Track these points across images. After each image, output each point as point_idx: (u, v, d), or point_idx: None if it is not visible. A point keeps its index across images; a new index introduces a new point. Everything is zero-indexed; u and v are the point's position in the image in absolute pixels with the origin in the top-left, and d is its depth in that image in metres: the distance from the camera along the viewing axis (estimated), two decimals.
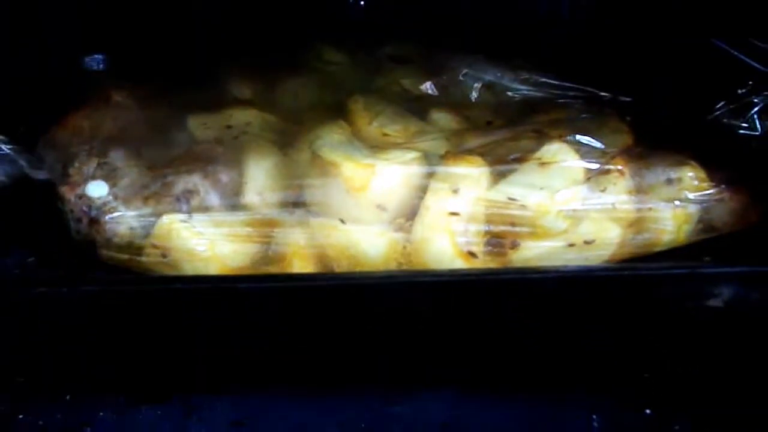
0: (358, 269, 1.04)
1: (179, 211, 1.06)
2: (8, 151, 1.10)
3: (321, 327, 1.03)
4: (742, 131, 1.13)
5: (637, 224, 1.07)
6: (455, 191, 1.03)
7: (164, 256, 1.04)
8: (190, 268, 1.04)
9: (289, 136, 1.13)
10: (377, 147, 1.09)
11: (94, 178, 1.08)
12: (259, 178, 1.08)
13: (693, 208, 1.09)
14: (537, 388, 1.05)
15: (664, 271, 1.03)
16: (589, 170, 1.06)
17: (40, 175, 1.10)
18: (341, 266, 1.04)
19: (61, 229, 1.08)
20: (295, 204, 1.07)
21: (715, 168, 1.10)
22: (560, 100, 1.20)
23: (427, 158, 1.07)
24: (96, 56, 1.26)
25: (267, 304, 1.01)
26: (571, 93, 1.20)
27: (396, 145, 1.09)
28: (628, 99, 1.19)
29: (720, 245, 1.09)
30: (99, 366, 1.05)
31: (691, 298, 1.02)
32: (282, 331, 1.03)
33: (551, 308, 1.03)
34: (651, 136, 1.14)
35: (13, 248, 1.11)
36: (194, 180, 1.07)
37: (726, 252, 1.08)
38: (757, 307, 1.03)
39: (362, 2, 1.31)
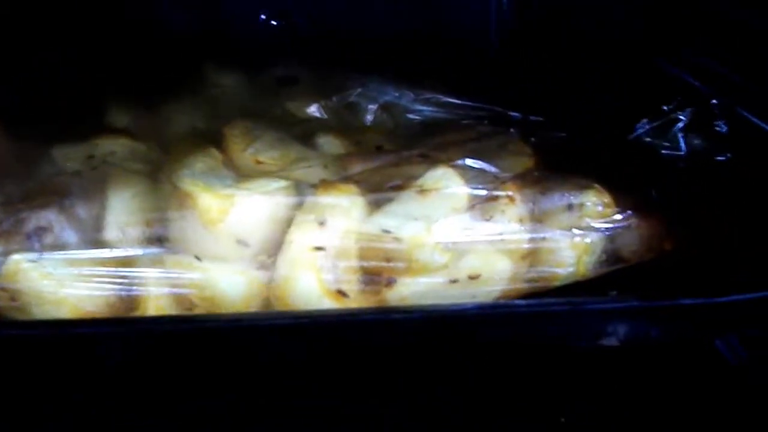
0: (217, 311, 0.95)
1: (31, 250, 0.97)
2: None
3: (170, 374, 0.95)
4: (665, 151, 1.03)
5: (531, 256, 0.99)
6: (321, 223, 0.95)
7: (13, 299, 0.95)
8: (41, 312, 0.96)
9: (157, 165, 1.05)
10: (248, 176, 1.00)
11: None
12: (120, 211, 1.00)
13: (595, 237, 1.00)
14: None
15: (545, 308, 0.92)
16: (474, 197, 0.97)
17: None
18: (200, 309, 0.95)
19: None
20: (157, 240, 0.98)
21: (625, 192, 1.01)
22: (464, 121, 1.10)
23: (299, 188, 0.98)
24: None
25: (118, 349, 0.92)
26: (476, 113, 1.11)
27: (267, 174, 1.00)
28: (539, 119, 1.09)
29: (631, 277, 1.00)
30: None
31: (581, 337, 0.92)
32: (134, 378, 0.94)
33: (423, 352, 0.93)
34: (556, 159, 1.04)
35: None
36: (48, 215, 0.99)
37: (637, 284, 0.98)
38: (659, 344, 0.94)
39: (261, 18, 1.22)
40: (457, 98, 1.14)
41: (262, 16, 1.30)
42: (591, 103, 1.12)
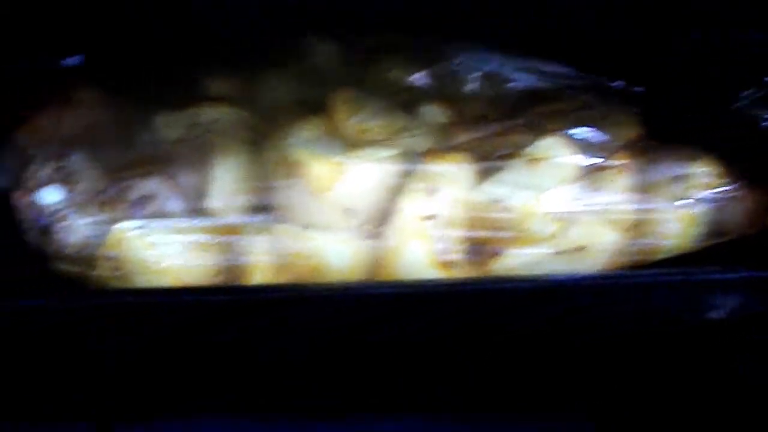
0: (323, 280, 0.93)
1: (135, 218, 0.96)
2: None
3: (277, 344, 0.94)
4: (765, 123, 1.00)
5: (636, 228, 0.97)
6: (432, 192, 0.92)
7: (116, 269, 0.95)
8: (144, 282, 0.95)
9: (263, 134, 1.03)
10: (355, 145, 0.99)
11: (49, 183, 0.99)
12: (224, 180, 0.99)
13: (702, 209, 0.97)
14: (521, 410, 0.94)
15: (660, 278, 0.91)
16: (584, 167, 0.95)
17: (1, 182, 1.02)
18: (305, 278, 0.94)
19: (19, 241, 0.99)
20: (262, 209, 0.97)
21: (731, 163, 0.98)
22: (564, 91, 1.08)
23: (408, 156, 0.96)
24: (72, 57, 1.17)
25: (216, 319, 0.92)
26: (578, 83, 1.09)
27: (373, 143, 0.98)
28: (640, 89, 1.07)
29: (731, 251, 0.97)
30: (53, 389, 0.99)
31: (691, 309, 0.90)
32: (231, 348, 0.93)
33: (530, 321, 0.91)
34: (662, 130, 1.02)
35: None
36: (152, 184, 0.99)
37: (736, 259, 0.95)
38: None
39: None
40: (558, 67, 1.11)
41: None
42: (692, 72, 1.08)
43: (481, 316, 0.93)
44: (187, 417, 1.00)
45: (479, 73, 1.11)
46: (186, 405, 1.01)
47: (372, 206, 0.95)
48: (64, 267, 0.98)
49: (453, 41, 1.14)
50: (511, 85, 1.11)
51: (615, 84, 1.09)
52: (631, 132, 1.02)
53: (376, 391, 1.00)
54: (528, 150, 0.96)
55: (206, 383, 0.99)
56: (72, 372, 0.99)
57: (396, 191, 0.95)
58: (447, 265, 0.93)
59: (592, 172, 0.96)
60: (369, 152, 0.96)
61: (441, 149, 0.97)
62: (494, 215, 0.93)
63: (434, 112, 1.06)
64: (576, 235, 0.94)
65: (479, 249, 0.94)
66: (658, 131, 1.03)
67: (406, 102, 1.08)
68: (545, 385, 0.99)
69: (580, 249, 0.94)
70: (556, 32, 1.14)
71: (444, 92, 1.10)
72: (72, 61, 1.16)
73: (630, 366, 0.99)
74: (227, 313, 0.92)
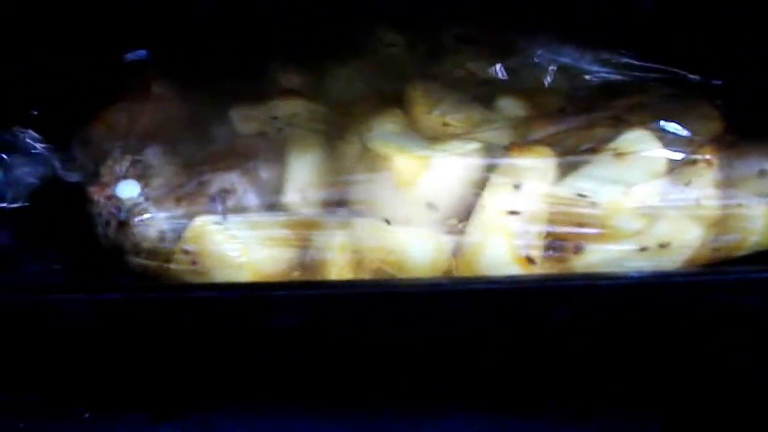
0: (403, 275, 0.92)
1: (214, 212, 0.96)
2: (41, 151, 1.04)
3: (356, 341, 0.95)
4: None
5: (720, 224, 0.95)
6: (517, 186, 0.92)
7: (194, 263, 0.95)
8: (222, 276, 0.95)
9: (340, 127, 1.03)
10: (435, 138, 0.97)
11: (126, 177, 0.99)
12: (302, 174, 0.98)
13: None
14: (604, 409, 0.93)
15: (752, 276, 0.89)
16: (672, 161, 0.93)
17: (72, 176, 1.03)
18: (385, 273, 0.93)
19: (91, 236, 1.00)
20: (340, 203, 0.96)
21: None
22: (643, 84, 1.06)
23: (490, 150, 0.95)
24: (138, 52, 1.16)
25: (298, 313, 0.91)
26: (656, 75, 1.07)
27: (454, 136, 0.97)
28: (719, 82, 1.05)
29: None
30: (119, 380, 0.99)
31: None
32: (313, 344, 0.94)
33: (620, 321, 0.90)
34: (745, 124, 1.00)
35: (41, 254, 1.03)
36: (232, 178, 0.98)
37: None
38: None
39: None
40: (636, 60, 1.09)
41: None
42: None
43: (562, 314, 0.91)
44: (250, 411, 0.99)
45: (555, 66, 1.09)
46: (253, 399, 0.99)
47: (455, 201, 0.93)
48: (142, 261, 0.97)
49: (528, 33, 1.12)
50: (588, 77, 1.09)
51: (693, 77, 1.06)
52: (714, 126, 1.00)
53: (459, 386, 0.98)
54: (613, 144, 0.94)
55: (276, 379, 0.98)
56: (140, 364, 0.97)
57: (480, 185, 0.93)
58: (529, 260, 0.92)
59: (680, 166, 0.93)
60: (454, 145, 0.95)
61: (525, 143, 0.95)
62: (579, 210, 0.91)
63: (512, 105, 1.05)
64: (661, 231, 0.92)
65: (562, 245, 0.93)
66: (739, 125, 1.00)
67: (483, 95, 1.06)
68: (619, 380, 0.97)
69: (665, 245, 0.92)
70: (632, 23, 1.12)
71: (521, 85, 1.08)
72: (142, 54, 1.14)
73: (704, 362, 0.97)
74: (309, 309, 0.90)
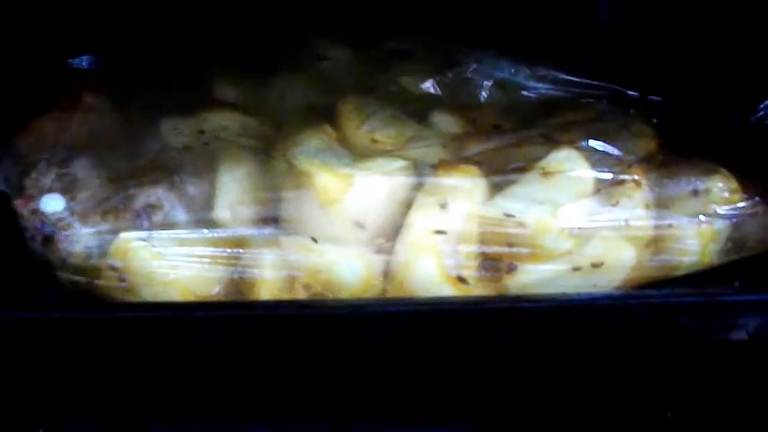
0: (333, 295, 0.92)
1: (140, 228, 0.95)
2: None
3: (284, 361, 0.92)
4: None
5: (654, 244, 0.95)
6: (443, 206, 0.91)
7: (122, 280, 0.93)
8: (150, 294, 0.93)
9: (269, 142, 1.02)
10: (364, 155, 0.96)
11: (51, 190, 0.97)
12: (231, 189, 0.97)
13: (721, 225, 0.95)
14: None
15: (678, 300, 0.88)
16: (600, 181, 0.93)
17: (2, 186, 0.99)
18: (314, 292, 0.92)
19: (22, 249, 0.97)
20: (269, 220, 0.95)
21: (750, 178, 0.96)
22: (579, 100, 1.05)
23: (418, 168, 0.94)
24: (82, 57, 1.14)
25: (224, 335, 0.89)
26: (593, 92, 1.07)
27: (383, 153, 0.96)
28: (657, 99, 1.04)
29: (751, 268, 0.95)
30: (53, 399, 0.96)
31: (712, 329, 0.88)
32: (243, 366, 0.92)
33: (548, 343, 0.89)
34: (679, 142, 1.00)
35: None
36: (158, 192, 0.96)
37: (758, 276, 0.93)
38: None
39: None
40: (574, 75, 1.09)
41: None
42: (710, 82, 1.06)
43: (493, 335, 0.90)
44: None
45: (491, 81, 1.08)
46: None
47: (383, 219, 0.93)
48: (70, 276, 0.96)
49: (464, 47, 1.11)
50: (525, 93, 1.08)
51: (631, 93, 1.05)
52: (647, 144, 1.00)
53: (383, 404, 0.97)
54: (542, 163, 0.94)
55: (205, 399, 0.97)
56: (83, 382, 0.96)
57: (407, 204, 0.92)
58: (459, 280, 0.90)
59: (609, 186, 0.93)
60: (379, 163, 0.94)
61: (453, 161, 0.95)
62: (508, 230, 0.91)
63: (446, 122, 1.05)
64: (593, 251, 0.92)
65: (493, 265, 0.92)
66: (674, 143, 1.00)
67: (417, 110, 1.05)
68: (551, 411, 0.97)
69: (598, 265, 0.91)
70: (568, 38, 1.12)
71: (456, 100, 1.08)
72: (75, 62, 1.13)
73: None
74: (238, 330, 0.89)
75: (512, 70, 1.10)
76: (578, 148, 0.95)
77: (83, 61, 1.17)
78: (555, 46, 1.11)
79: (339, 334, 0.91)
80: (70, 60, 1.16)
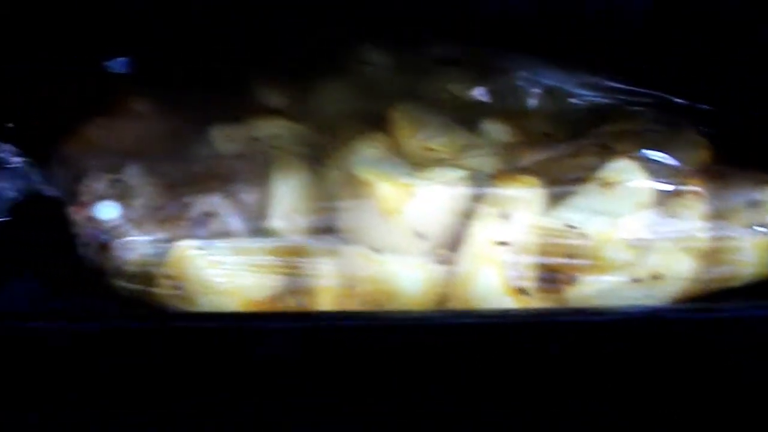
0: (392, 305, 0.92)
1: (196, 236, 0.94)
2: (20, 165, 1.02)
3: (347, 373, 0.92)
4: None
5: (711, 255, 0.94)
6: (505, 217, 0.91)
7: (178, 288, 0.93)
8: (206, 302, 0.93)
9: (322, 150, 1.01)
10: (420, 164, 0.97)
11: (105, 197, 0.97)
12: (287, 199, 0.97)
13: None
14: None
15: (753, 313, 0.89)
16: (659, 192, 0.93)
17: (52, 191, 1.01)
18: (374, 302, 0.92)
19: (74, 254, 0.98)
20: (326, 230, 0.95)
21: None
22: (629, 108, 1.05)
23: (475, 177, 0.94)
24: (118, 60, 1.14)
25: (287, 345, 0.89)
26: (642, 99, 1.07)
27: (440, 162, 0.96)
28: (706, 107, 1.04)
29: None
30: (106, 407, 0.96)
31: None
32: (303, 377, 0.92)
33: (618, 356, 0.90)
34: (732, 151, 1.00)
35: (23, 273, 1.03)
36: (214, 201, 0.96)
37: None
38: None
39: None
40: (622, 83, 1.09)
41: None
42: (763, 90, 1.06)
43: (556, 348, 0.90)
44: None
45: (540, 89, 1.08)
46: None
47: (444, 230, 0.92)
48: (124, 284, 0.96)
49: (511, 55, 1.11)
50: (573, 101, 1.08)
51: (679, 101, 1.05)
52: (701, 155, 1.00)
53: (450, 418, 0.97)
54: (600, 173, 0.94)
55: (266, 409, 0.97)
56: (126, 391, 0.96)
57: (467, 215, 0.92)
58: (521, 292, 0.91)
59: (668, 197, 0.93)
60: (438, 173, 0.94)
61: (512, 171, 0.95)
62: (569, 242, 0.91)
63: (497, 130, 1.04)
64: (653, 263, 0.92)
65: (553, 276, 0.92)
66: (726, 153, 1.00)
67: (466, 118, 1.05)
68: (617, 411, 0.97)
69: (658, 277, 0.92)
70: (619, 46, 1.12)
71: (506, 108, 1.07)
72: (122, 63, 1.13)
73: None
74: (294, 340, 0.89)
75: (560, 78, 1.09)
76: (635, 158, 0.95)
77: (120, 64, 1.15)
78: (603, 53, 1.11)
79: (407, 345, 0.90)
80: (106, 62, 1.14)
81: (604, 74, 1.10)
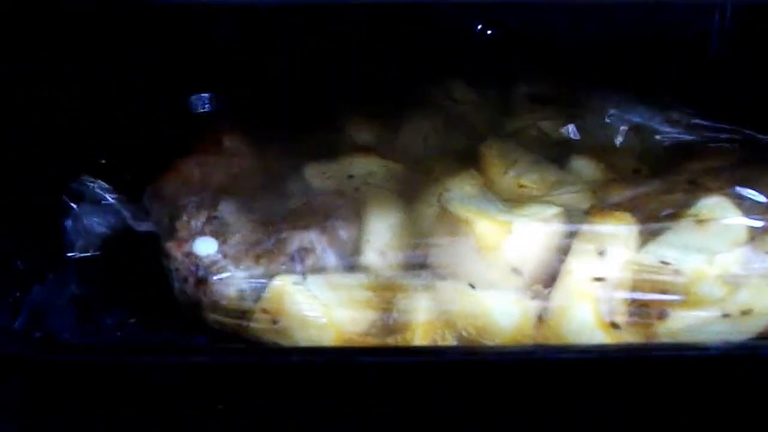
0: (486, 340, 0.93)
1: (293, 271, 0.96)
2: (112, 201, 1.04)
3: (444, 407, 0.93)
4: None
5: None
6: (602, 253, 0.92)
7: (275, 322, 0.95)
8: (304, 337, 0.95)
9: (415, 187, 1.03)
10: (512, 200, 0.98)
11: (202, 233, 0.99)
12: (382, 235, 0.99)
13: None
14: None
15: None
16: (752, 229, 0.94)
17: (143, 226, 1.04)
18: (469, 336, 0.94)
19: (165, 288, 1.00)
20: (421, 266, 0.97)
21: None
22: (714, 145, 1.06)
23: (569, 214, 0.96)
24: (203, 96, 1.16)
25: (388, 380, 0.90)
26: (727, 135, 1.07)
27: (533, 199, 0.98)
28: None
29: None
30: None
31: None
32: (403, 411, 0.93)
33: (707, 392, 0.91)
34: None
35: (114, 306, 1.03)
36: (311, 236, 0.98)
37: None
38: None
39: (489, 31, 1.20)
40: (707, 120, 1.10)
41: (479, 26, 1.26)
42: None
43: (648, 382, 0.91)
44: None
45: (627, 126, 1.09)
46: None
47: (539, 266, 0.94)
48: (219, 318, 0.97)
49: (598, 92, 1.13)
50: (658, 137, 1.09)
51: (762, 137, 1.06)
52: None
53: None
54: (693, 210, 0.95)
55: None
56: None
57: (562, 251, 0.93)
58: (614, 326, 0.92)
59: (760, 234, 0.94)
60: (534, 209, 0.95)
61: (606, 208, 0.96)
62: (663, 278, 0.92)
63: (586, 167, 1.06)
64: (743, 299, 0.92)
65: (646, 311, 0.93)
66: None
67: (556, 155, 1.07)
68: None
69: (747, 312, 0.92)
70: (699, 83, 1.13)
71: (593, 145, 1.08)
72: (207, 99, 1.15)
73: None
74: (393, 375, 0.90)
75: (646, 115, 1.10)
76: (728, 195, 0.95)
77: (203, 100, 1.18)
78: (684, 90, 1.12)
79: (505, 380, 0.91)
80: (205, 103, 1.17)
81: (688, 112, 1.10)
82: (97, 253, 1.06)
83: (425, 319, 0.95)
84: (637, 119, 1.10)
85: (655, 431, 0.95)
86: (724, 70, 1.21)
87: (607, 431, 0.95)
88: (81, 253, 1.06)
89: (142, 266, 1.02)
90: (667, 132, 1.10)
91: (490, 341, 0.94)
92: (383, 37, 1.19)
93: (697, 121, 1.10)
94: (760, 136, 1.08)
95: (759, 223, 0.94)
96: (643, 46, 1.21)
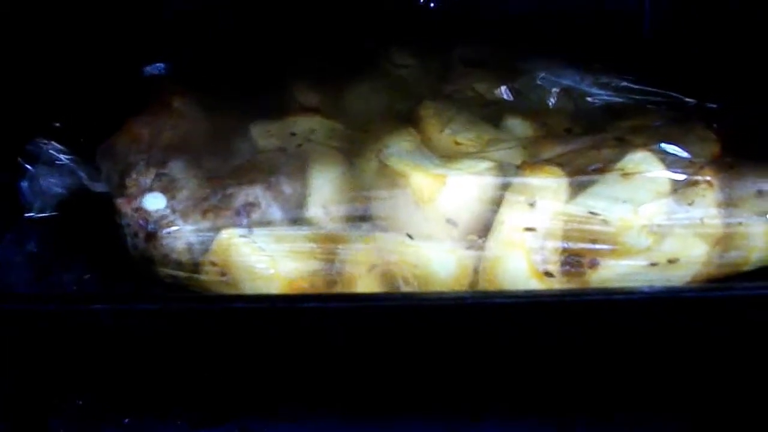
0: (425, 289, 0.97)
1: (239, 225, 1.00)
2: (67, 162, 1.07)
3: (385, 351, 0.98)
4: None
5: (723, 241, 0.99)
6: (532, 204, 0.96)
7: (223, 274, 0.99)
8: (251, 287, 0.98)
9: (356, 144, 1.07)
10: (448, 156, 1.02)
11: (151, 189, 1.02)
12: (324, 189, 1.02)
13: None
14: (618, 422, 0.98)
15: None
16: (675, 182, 0.99)
17: (99, 187, 1.06)
18: (408, 285, 0.98)
19: (120, 246, 1.03)
20: (362, 218, 1.01)
21: None
22: (643, 107, 1.11)
23: (502, 168, 1.00)
24: (157, 64, 1.19)
25: (329, 325, 0.95)
26: (654, 98, 1.12)
27: (468, 155, 1.02)
28: (714, 105, 1.10)
29: None
30: (157, 388, 1.03)
31: None
32: (344, 354, 0.98)
33: (635, 334, 0.96)
34: (739, 145, 1.05)
35: (71, 263, 1.07)
36: (256, 192, 1.02)
37: None
38: None
39: (432, 3, 1.24)
40: (635, 84, 1.15)
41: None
42: (763, 87, 1.12)
43: (581, 327, 0.96)
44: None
45: (558, 88, 1.14)
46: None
47: (474, 217, 0.98)
48: (171, 271, 1.01)
49: (530, 56, 1.17)
50: (590, 99, 1.14)
51: (689, 100, 1.11)
52: (711, 148, 1.05)
53: (480, 397, 1.03)
54: (620, 164, 0.99)
55: (312, 387, 1.02)
56: (177, 372, 1.01)
57: (495, 203, 0.97)
58: (546, 275, 0.96)
59: (683, 186, 0.98)
60: (468, 164, 0.99)
61: (536, 162, 1.00)
62: (592, 227, 0.96)
63: (520, 125, 1.10)
64: (669, 248, 0.97)
65: (578, 260, 0.97)
66: (733, 147, 1.05)
67: (491, 115, 1.11)
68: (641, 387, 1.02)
69: (673, 261, 0.97)
70: (630, 48, 1.17)
71: (527, 105, 1.13)
72: (161, 67, 1.18)
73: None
74: (340, 320, 0.95)
75: (577, 78, 1.15)
76: (653, 151, 1.00)
77: (157, 66, 1.21)
78: (616, 55, 1.17)
79: (439, 325, 0.95)
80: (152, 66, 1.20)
81: (617, 75, 1.15)
82: (55, 213, 1.09)
83: (367, 269, 0.99)
84: (567, 82, 1.14)
85: (587, 372, 0.99)
86: (657, 37, 1.25)
87: (542, 374, 1.01)
88: (38, 213, 1.09)
89: (98, 225, 1.05)
90: (597, 94, 1.14)
91: (428, 290, 0.97)
92: (330, 3, 1.22)
93: (626, 84, 1.13)
94: (687, 99, 1.12)
95: (681, 177, 0.98)
96: (577, 18, 1.25)
